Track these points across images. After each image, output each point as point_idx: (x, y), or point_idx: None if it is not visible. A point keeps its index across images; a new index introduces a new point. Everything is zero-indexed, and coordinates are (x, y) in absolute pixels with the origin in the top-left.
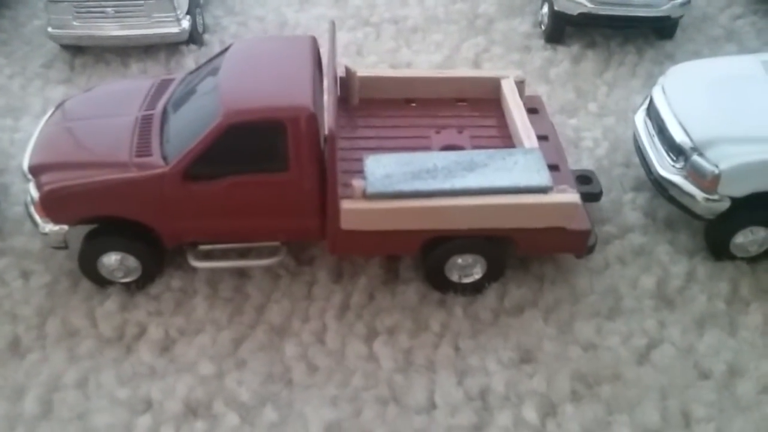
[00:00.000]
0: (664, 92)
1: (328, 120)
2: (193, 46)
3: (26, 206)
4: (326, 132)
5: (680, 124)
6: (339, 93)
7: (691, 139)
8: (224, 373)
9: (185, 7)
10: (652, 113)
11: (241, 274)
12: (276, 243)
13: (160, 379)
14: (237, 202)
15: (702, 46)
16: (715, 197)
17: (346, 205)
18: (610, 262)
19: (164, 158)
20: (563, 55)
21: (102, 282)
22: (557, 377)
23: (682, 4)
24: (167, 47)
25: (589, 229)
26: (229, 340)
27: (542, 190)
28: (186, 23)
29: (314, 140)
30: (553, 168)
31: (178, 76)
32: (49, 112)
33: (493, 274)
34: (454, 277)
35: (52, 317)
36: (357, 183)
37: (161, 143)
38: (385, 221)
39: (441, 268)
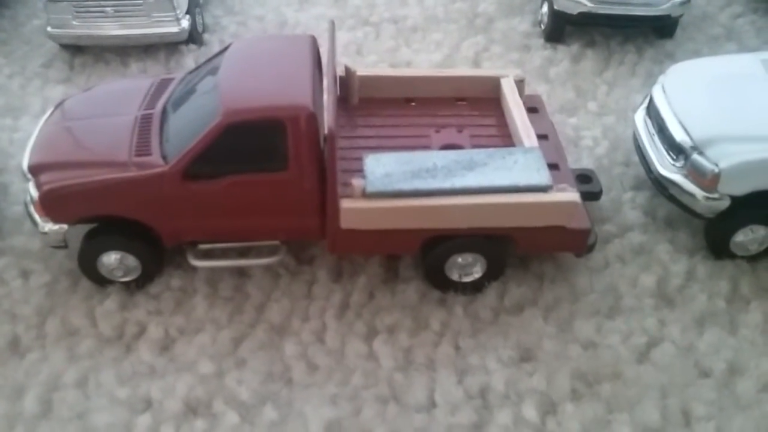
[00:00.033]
0: (664, 91)
1: (327, 119)
2: (192, 46)
3: (26, 205)
4: (326, 131)
5: (680, 122)
6: (339, 92)
7: (691, 138)
8: (224, 372)
9: (185, 7)
10: (652, 112)
11: (241, 273)
12: (276, 242)
13: (160, 378)
14: (236, 202)
15: (702, 44)
16: (715, 196)
17: (345, 204)
18: (610, 261)
19: (164, 157)
20: (563, 54)
21: (102, 281)
22: (557, 376)
23: (682, 3)
24: (167, 47)
25: (589, 228)
26: (228, 339)
27: (542, 189)
28: (185, 23)
29: (314, 139)
30: (552, 167)
31: (178, 76)
32: (49, 112)
33: (493, 273)
34: (454, 276)
35: (52, 316)
36: (357, 182)
37: (161, 142)
38: (385, 220)
39: (441, 267)
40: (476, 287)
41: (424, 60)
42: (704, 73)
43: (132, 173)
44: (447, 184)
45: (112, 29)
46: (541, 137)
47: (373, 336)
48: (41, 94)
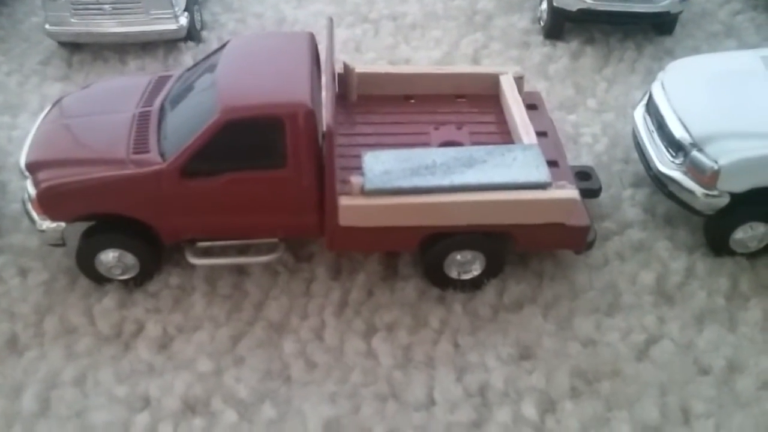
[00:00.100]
0: (663, 88)
1: (326, 116)
2: (191, 43)
3: (24, 203)
4: (324, 128)
5: (679, 119)
6: (337, 89)
7: (690, 135)
8: (222, 370)
9: (183, 4)
10: (652, 109)
11: (240, 271)
12: (274, 240)
13: (159, 376)
14: (235, 199)
15: (701, 41)
16: (715, 193)
17: (344, 201)
18: (610, 258)
19: (162, 155)
20: (562, 51)
21: (100, 279)
22: (556, 373)
23: (681, 0)
24: (165, 44)
25: (588, 225)
26: (227, 337)
27: (541, 186)
28: (184, 20)
29: (312, 137)
30: (552, 164)
31: (176, 73)
32: (47, 109)
33: (492, 271)
34: (453, 274)
35: (50, 315)
36: (355, 179)
37: (158, 140)
38: (384, 218)
39: (440, 265)
40: (475, 285)
41: (423, 57)
42: (704, 70)
43: (130, 171)
44: (446, 181)
45: (110, 27)
46: (541, 134)
47: (372, 333)
48: (39, 92)
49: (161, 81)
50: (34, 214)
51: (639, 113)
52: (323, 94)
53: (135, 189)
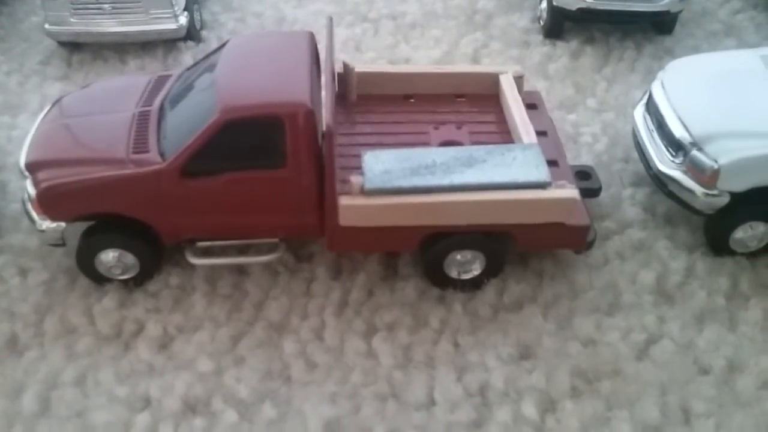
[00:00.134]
0: (663, 87)
1: (325, 116)
2: (190, 43)
3: (23, 203)
4: (324, 128)
5: (679, 119)
6: (337, 89)
7: (690, 134)
8: (223, 370)
9: (183, 4)
10: (651, 108)
11: (240, 271)
12: (274, 240)
13: (159, 376)
14: (235, 199)
15: (701, 41)
16: (715, 192)
17: (344, 201)
18: (610, 258)
19: (161, 155)
20: (562, 50)
21: (100, 279)
22: (556, 373)
23: None
24: (165, 44)
25: (588, 225)
26: (227, 337)
27: (541, 185)
28: (183, 20)
29: (312, 136)
30: (552, 163)
31: (175, 73)
32: (46, 109)
33: (492, 270)
34: (453, 274)
35: (50, 315)
36: (355, 179)
37: (158, 140)
38: (384, 217)
39: (440, 265)
40: (475, 284)
41: (423, 56)
42: (703, 70)
43: (130, 170)
44: (446, 181)
45: (110, 26)
46: (540, 134)
47: (372, 333)
48: (39, 92)
49: (161, 81)
50: (34, 214)
51: (639, 112)
52: (323, 93)
53: (135, 189)
